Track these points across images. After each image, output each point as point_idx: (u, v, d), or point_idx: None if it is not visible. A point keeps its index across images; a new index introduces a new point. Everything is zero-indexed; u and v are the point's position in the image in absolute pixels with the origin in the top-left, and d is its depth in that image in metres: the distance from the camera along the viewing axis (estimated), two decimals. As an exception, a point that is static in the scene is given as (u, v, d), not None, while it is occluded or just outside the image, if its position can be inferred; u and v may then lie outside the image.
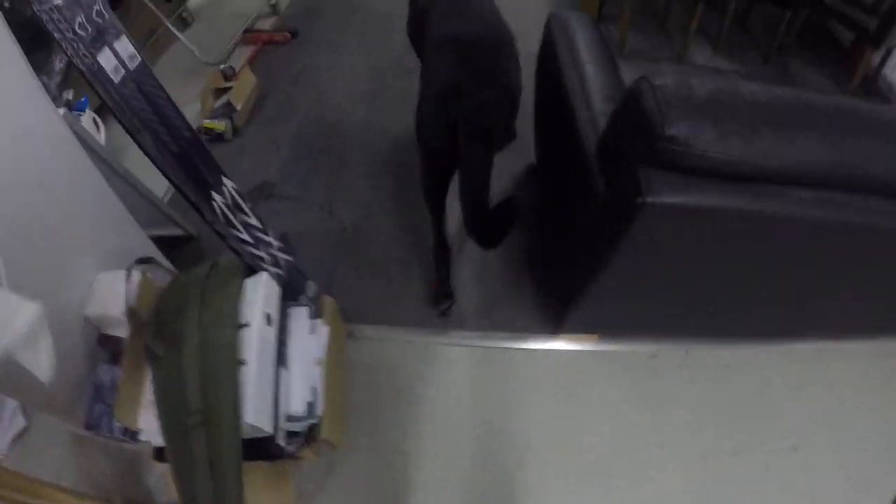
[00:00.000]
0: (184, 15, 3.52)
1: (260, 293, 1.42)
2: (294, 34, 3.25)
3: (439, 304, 1.88)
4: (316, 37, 3.31)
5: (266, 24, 3.45)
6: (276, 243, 1.57)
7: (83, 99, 2.53)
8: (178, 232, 2.18)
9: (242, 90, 2.64)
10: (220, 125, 2.50)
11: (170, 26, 2.76)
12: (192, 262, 1.49)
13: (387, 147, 2.50)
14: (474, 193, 1.52)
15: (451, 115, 1.49)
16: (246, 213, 1.45)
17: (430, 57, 1.68)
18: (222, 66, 2.86)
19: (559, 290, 1.82)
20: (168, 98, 1.20)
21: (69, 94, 2.56)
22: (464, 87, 1.49)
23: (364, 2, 3.65)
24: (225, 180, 1.36)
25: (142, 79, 1.14)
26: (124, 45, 1.09)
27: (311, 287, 1.72)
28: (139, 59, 1.12)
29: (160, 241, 1.75)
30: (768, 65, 3.21)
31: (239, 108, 2.54)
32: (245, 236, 1.44)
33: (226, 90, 2.66)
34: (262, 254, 1.52)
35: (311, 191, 2.29)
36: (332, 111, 2.72)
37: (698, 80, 1.08)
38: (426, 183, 1.78)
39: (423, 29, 1.79)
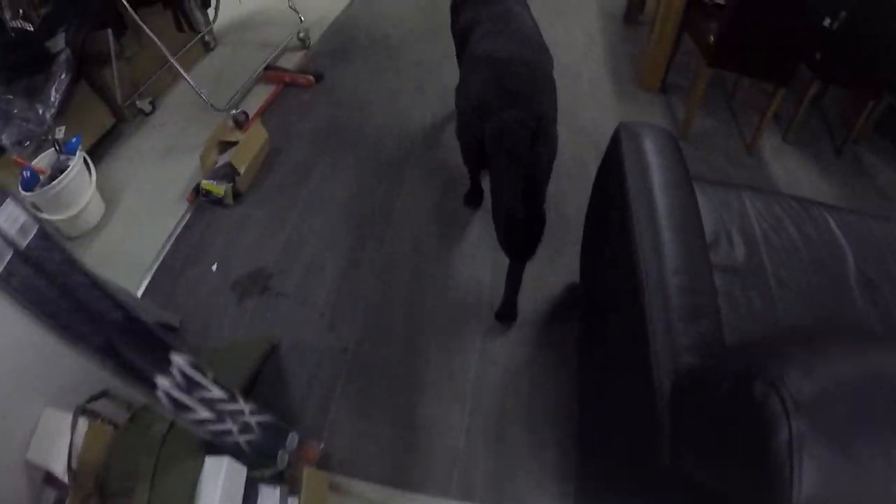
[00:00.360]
0: (206, 38, 3.17)
1: (219, 484, 1.12)
2: (319, 78, 2.88)
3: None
4: (342, 85, 2.93)
5: (292, 59, 3.09)
6: (248, 408, 1.20)
7: (75, 139, 2.18)
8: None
9: (249, 150, 2.27)
10: (219, 189, 2.14)
11: (174, 63, 2.39)
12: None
13: (405, 243, 2.10)
14: (503, 205, 1.54)
15: (477, 130, 1.56)
16: (205, 388, 1.07)
17: (467, 70, 1.70)
18: (234, 112, 2.50)
19: (590, 479, 1.42)
20: (86, 273, 0.82)
21: (61, 132, 2.22)
22: (488, 107, 1.52)
23: (400, 50, 3.27)
24: (175, 358, 0.99)
25: (43, 255, 0.76)
26: (11, 215, 0.72)
27: (293, 440, 1.37)
28: (36, 227, 0.75)
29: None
30: (841, 157, 2.77)
31: (242, 171, 2.17)
32: (205, 415, 1.08)
33: (232, 144, 2.29)
34: (230, 426, 1.15)
35: (312, 290, 1.90)
36: (347, 188, 2.30)
37: (834, 367, 0.67)
38: (464, 157, 1.90)
39: (464, 42, 1.81)
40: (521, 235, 1.56)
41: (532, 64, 1.59)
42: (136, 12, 2.28)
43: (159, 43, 2.33)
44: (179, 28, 2.64)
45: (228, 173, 2.16)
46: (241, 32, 3.44)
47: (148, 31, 2.28)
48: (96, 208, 2.16)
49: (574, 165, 2.37)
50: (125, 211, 2.23)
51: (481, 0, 1.81)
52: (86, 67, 2.40)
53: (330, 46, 3.26)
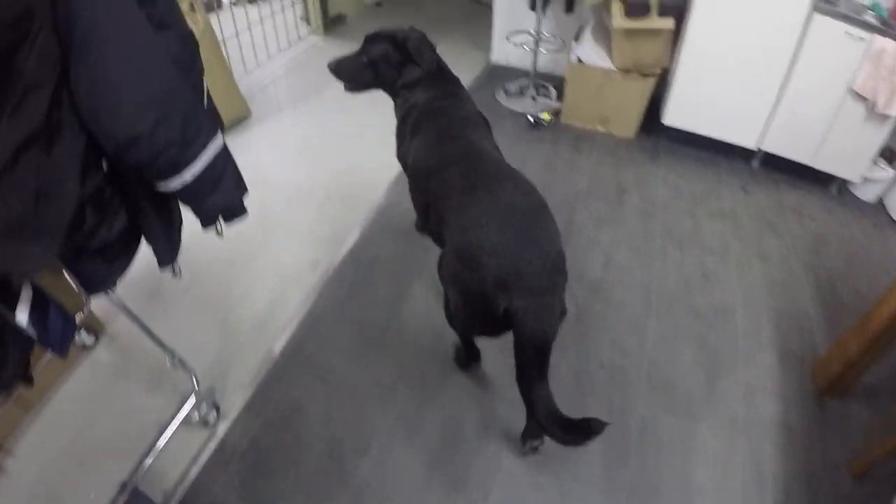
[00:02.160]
0: (79, 340, 1.78)
1: None
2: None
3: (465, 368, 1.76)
4: None
5: (191, 444, 1.63)
6: None
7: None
8: None
9: None
10: None
11: None
12: None
13: None
14: (538, 389, 1.18)
15: (500, 305, 1.15)
16: None
17: (466, 241, 1.23)
18: None
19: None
20: None
21: None
22: (525, 271, 1.14)
23: (390, 481, 1.56)
24: None
25: None
26: None
27: None
28: None
29: None
30: None
31: None
32: None
33: None
34: None
35: None
36: None
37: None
38: (457, 321, 1.48)
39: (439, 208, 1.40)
40: (562, 429, 1.17)
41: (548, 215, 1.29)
42: None
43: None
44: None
45: None
46: (142, 319, 1.96)
47: None
48: None
49: None
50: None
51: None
52: None
53: (255, 431, 1.65)
